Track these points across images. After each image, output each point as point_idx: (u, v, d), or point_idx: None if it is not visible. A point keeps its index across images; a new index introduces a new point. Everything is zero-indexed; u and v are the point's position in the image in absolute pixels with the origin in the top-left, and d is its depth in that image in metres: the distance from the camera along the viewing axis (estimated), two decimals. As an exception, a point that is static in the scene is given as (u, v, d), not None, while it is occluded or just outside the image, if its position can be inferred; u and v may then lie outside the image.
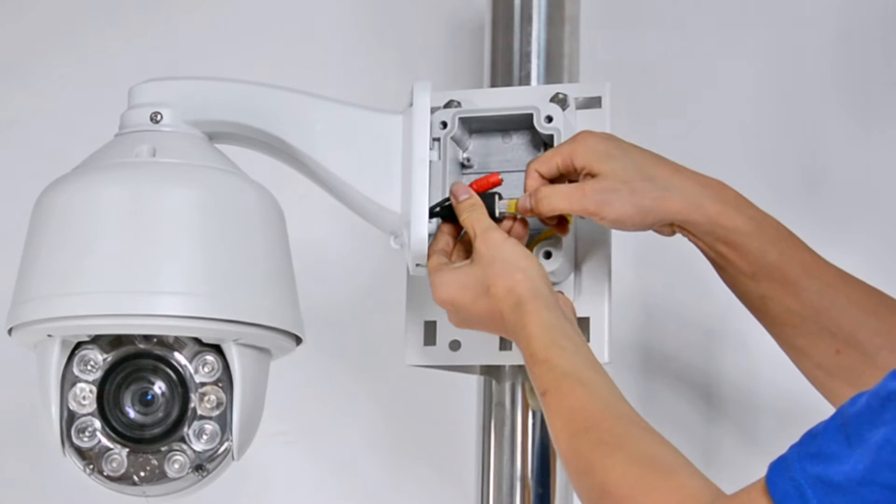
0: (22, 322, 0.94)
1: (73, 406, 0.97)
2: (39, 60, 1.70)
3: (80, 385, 0.96)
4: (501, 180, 1.02)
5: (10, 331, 0.96)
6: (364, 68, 1.58)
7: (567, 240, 1.04)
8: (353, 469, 1.53)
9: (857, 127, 1.45)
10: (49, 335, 0.95)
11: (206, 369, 0.96)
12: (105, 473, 0.97)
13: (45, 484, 1.58)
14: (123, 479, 0.97)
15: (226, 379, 0.96)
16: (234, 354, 0.96)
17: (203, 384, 0.96)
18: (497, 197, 1.01)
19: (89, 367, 0.97)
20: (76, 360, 0.96)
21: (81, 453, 0.97)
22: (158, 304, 0.91)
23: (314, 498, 1.55)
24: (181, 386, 0.96)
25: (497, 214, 1.01)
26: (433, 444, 1.51)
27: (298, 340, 1.01)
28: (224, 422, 0.96)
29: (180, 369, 0.96)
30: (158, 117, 1.01)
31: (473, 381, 1.22)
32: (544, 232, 1.04)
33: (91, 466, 0.97)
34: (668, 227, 1.00)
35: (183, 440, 0.96)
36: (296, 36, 1.62)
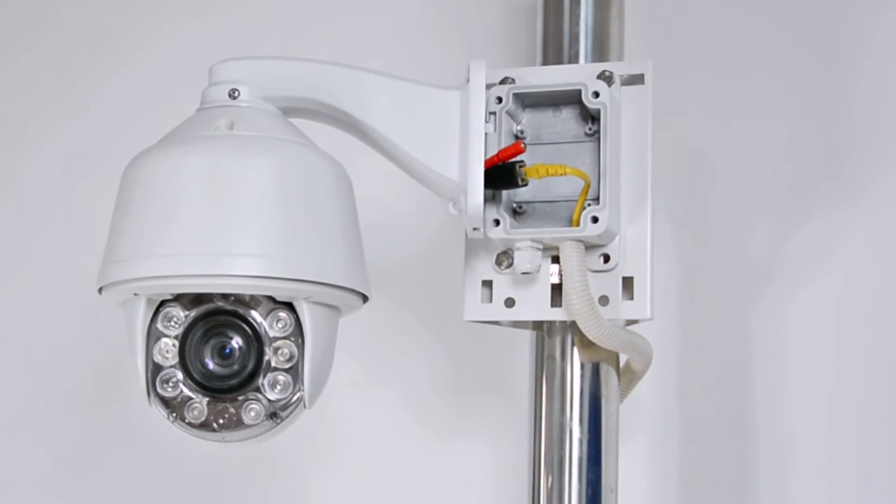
0: (110, 282, 0.99)
1: (157, 359, 1.01)
2: (127, 42, 1.78)
3: (163, 340, 1.01)
4: (525, 148, 1.08)
5: (100, 290, 1.01)
6: (428, 48, 1.64)
7: (612, 204, 1.09)
8: (417, 413, 1.59)
9: (884, 108, 1.47)
10: (135, 294, 1.00)
11: (279, 325, 1.00)
12: (187, 421, 1.01)
13: (133, 433, 1.66)
14: (204, 426, 1.01)
15: (298, 334, 1.00)
16: (305, 311, 1.00)
17: (276, 339, 1.00)
18: (517, 166, 1.07)
19: (172, 323, 1.01)
20: (160, 316, 1.01)
21: (165, 402, 1.02)
22: (235, 265, 0.96)
23: (384, 437, 1.60)
24: (256, 340, 1.00)
25: (519, 182, 1.07)
26: (490, 394, 1.55)
27: (365, 298, 1.05)
28: (296, 373, 1.00)
29: (256, 325, 1.00)
30: (236, 94, 1.06)
31: (526, 336, 1.26)
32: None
33: (174, 414, 1.02)
34: None
35: (258, 390, 1.00)
36: (364, 18, 1.67)
